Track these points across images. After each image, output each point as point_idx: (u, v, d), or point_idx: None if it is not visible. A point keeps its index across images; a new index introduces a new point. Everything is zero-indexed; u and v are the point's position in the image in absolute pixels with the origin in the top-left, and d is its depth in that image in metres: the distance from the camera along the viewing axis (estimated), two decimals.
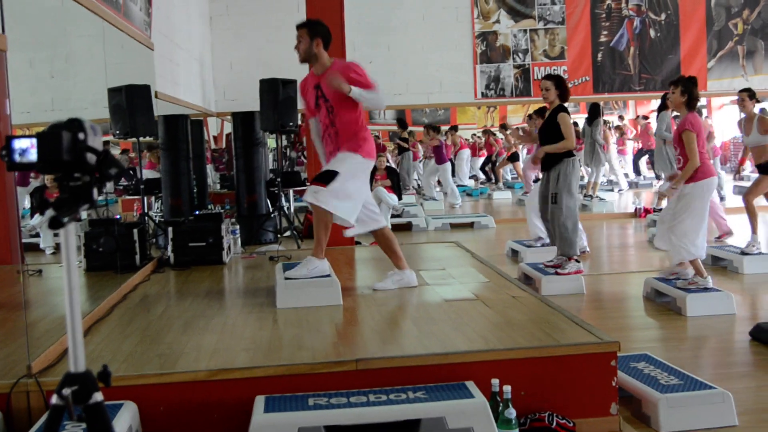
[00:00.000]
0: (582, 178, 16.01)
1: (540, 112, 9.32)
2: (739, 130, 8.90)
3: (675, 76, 7.91)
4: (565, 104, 7.53)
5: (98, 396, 2.33)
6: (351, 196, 5.40)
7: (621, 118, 22.68)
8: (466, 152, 21.49)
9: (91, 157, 2.24)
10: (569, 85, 9.33)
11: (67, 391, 2.28)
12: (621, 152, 20.99)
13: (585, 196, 15.43)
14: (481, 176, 22.85)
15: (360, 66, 5.45)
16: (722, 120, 23.35)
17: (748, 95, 8.56)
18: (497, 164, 21.16)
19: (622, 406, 4.12)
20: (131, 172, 8.31)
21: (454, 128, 21.34)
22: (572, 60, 13.56)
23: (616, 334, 4.75)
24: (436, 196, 16.99)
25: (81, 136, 2.22)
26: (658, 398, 4.09)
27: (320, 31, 5.52)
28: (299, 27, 5.56)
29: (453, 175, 18.40)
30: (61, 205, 2.22)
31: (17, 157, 2.21)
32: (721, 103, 23.20)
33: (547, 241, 8.80)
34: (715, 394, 4.15)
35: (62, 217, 2.18)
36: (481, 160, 22.93)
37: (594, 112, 15.00)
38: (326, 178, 5.32)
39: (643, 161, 20.65)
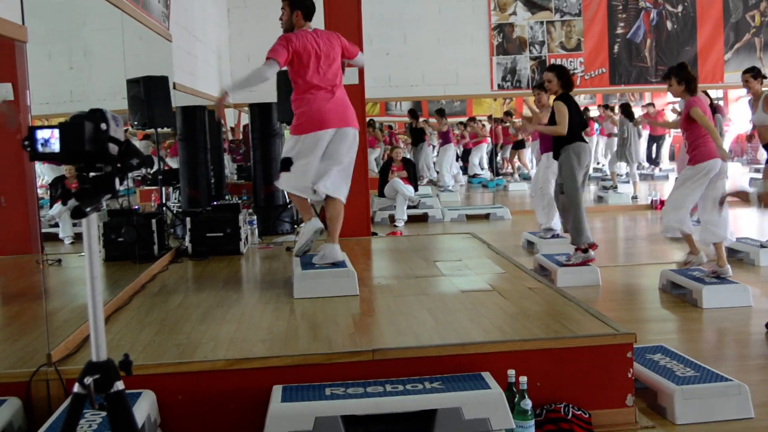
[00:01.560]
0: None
1: (540, 86, 9.17)
2: (749, 110, 8.83)
3: (691, 68, 7.80)
4: (570, 93, 7.52)
5: (119, 385, 2.36)
6: (296, 171, 5.52)
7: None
8: (486, 146, 21.34)
9: (113, 148, 2.27)
10: (586, 77, 9.28)
11: (88, 380, 2.31)
12: None
13: (605, 188, 15.37)
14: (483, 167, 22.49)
15: (281, 39, 5.55)
16: (739, 112, 23.14)
17: (752, 75, 8.48)
18: (506, 154, 20.95)
19: (637, 398, 4.13)
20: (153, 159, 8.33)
21: (472, 119, 21.20)
22: (589, 52, 13.50)
23: (631, 325, 4.74)
24: (451, 187, 16.96)
25: (103, 126, 2.25)
26: (674, 390, 4.09)
27: (299, 3, 5.62)
28: (282, 0, 5.72)
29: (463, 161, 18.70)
30: (83, 195, 2.25)
31: (40, 147, 2.24)
32: (738, 95, 23.00)
33: (558, 232, 8.84)
34: (731, 386, 4.15)
35: (85, 207, 2.21)
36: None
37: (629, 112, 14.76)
38: (282, 165, 5.61)
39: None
